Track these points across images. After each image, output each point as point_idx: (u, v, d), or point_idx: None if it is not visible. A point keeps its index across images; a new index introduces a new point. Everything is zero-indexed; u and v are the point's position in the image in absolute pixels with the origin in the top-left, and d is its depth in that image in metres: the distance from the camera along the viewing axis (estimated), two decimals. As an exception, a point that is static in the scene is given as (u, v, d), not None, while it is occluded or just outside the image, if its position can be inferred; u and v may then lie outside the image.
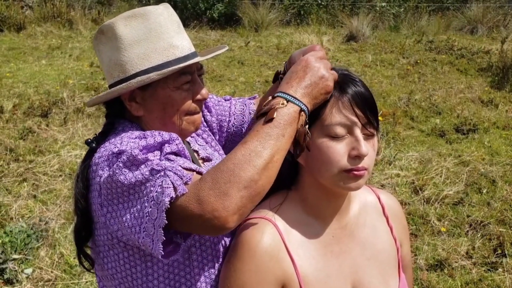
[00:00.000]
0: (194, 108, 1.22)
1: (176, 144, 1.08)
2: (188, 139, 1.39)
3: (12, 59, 7.33)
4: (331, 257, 1.14)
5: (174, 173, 0.99)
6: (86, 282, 2.88)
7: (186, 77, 1.18)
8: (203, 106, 1.45)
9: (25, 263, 2.97)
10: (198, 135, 1.44)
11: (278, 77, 1.29)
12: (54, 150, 4.40)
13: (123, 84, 1.16)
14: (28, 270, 2.92)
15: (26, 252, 3.01)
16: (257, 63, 7.49)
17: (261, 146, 0.99)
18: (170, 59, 1.17)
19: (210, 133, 1.46)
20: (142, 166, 1.01)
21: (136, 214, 1.01)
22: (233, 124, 1.50)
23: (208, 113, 1.47)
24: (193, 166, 1.06)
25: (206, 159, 1.36)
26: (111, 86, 1.20)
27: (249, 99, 1.56)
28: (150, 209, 0.98)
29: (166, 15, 1.20)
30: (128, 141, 1.07)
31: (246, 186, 0.96)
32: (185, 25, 9.98)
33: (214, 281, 1.18)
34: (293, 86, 1.05)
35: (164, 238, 0.98)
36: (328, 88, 1.06)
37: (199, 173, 1.05)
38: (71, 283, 2.87)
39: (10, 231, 3.08)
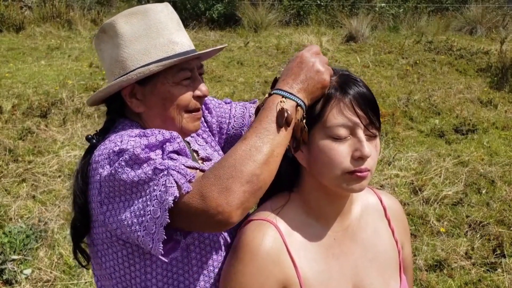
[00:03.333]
0: (194, 104, 1.22)
1: (178, 143, 1.08)
2: (188, 139, 1.39)
3: (11, 59, 7.32)
4: (332, 259, 1.14)
5: (178, 171, 1.00)
6: (86, 282, 2.87)
7: (185, 73, 1.19)
8: (204, 107, 1.46)
9: (24, 263, 2.97)
10: (198, 135, 1.44)
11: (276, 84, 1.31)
12: (53, 150, 4.39)
13: (123, 77, 1.16)
14: (27, 271, 2.91)
15: (25, 253, 3.01)
16: (256, 63, 7.49)
17: (260, 141, 1.01)
18: (169, 55, 1.18)
19: (210, 134, 1.47)
20: (145, 165, 1.01)
21: (137, 213, 1.01)
22: (233, 127, 1.50)
23: (208, 114, 1.47)
24: (196, 165, 1.06)
25: (206, 159, 1.36)
26: None
27: (250, 103, 1.57)
28: (152, 207, 0.98)
29: (166, 12, 1.22)
30: (129, 139, 1.07)
31: (248, 181, 0.97)
32: (185, 25, 9.87)
33: (213, 279, 1.17)
34: (288, 82, 1.07)
35: (165, 237, 0.99)
36: (324, 82, 1.07)
37: (201, 170, 1.05)
38: (70, 284, 2.87)
39: (9, 232, 3.08)
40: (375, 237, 1.21)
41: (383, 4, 10.92)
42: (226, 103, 1.53)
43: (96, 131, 1.23)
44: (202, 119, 1.45)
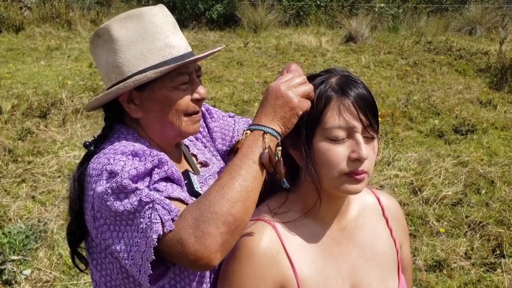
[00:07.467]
0: (193, 107, 1.21)
1: (165, 170, 1.07)
2: (187, 143, 1.39)
3: (11, 60, 7.32)
4: (330, 259, 1.14)
5: (162, 207, 1.00)
6: (85, 283, 2.87)
7: (183, 77, 1.18)
8: (208, 115, 1.45)
9: (23, 264, 2.97)
10: (197, 139, 1.44)
11: None
12: (52, 151, 4.39)
13: (120, 84, 1.15)
14: (27, 271, 2.91)
15: (24, 253, 3.01)
16: (256, 64, 7.49)
17: (231, 178, 1.00)
18: (166, 59, 1.16)
19: (209, 139, 1.46)
20: (132, 195, 1.01)
21: (126, 241, 1.02)
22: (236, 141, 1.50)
23: (211, 121, 1.46)
24: (181, 195, 1.06)
25: (204, 164, 1.36)
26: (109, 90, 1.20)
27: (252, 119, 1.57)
28: (139, 239, 0.99)
29: (161, 15, 1.20)
30: (120, 159, 1.06)
31: (224, 222, 0.96)
32: (184, 26, 9.98)
33: (211, 284, 1.18)
34: (257, 116, 1.08)
35: (151, 271, 0.99)
36: (291, 104, 1.04)
37: (185, 203, 1.05)
38: (70, 284, 2.87)
39: (9, 232, 3.08)
40: (373, 236, 1.21)
41: (382, 5, 10.92)
42: (230, 116, 1.53)
43: (94, 137, 1.22)
44: (204, 124, 1.45)
